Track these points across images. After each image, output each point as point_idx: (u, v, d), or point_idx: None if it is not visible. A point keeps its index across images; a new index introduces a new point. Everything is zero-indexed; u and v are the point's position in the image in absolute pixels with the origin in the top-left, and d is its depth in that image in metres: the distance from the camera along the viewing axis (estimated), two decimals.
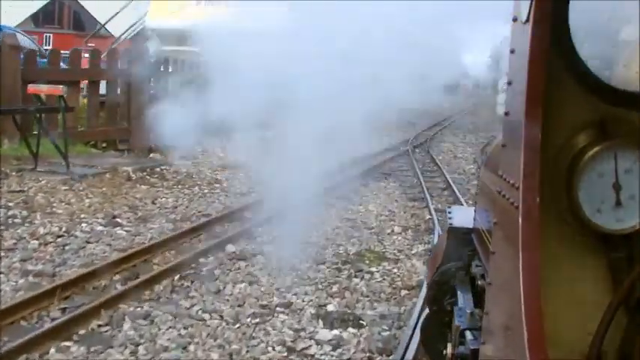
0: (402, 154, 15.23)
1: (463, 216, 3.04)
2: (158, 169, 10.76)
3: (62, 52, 12.73)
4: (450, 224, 3.08)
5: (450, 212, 3.29)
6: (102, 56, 12.94)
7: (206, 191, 9.72)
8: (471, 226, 2.78)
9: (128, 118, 11.89)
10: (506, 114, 1.61)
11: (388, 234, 7.81)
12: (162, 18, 20.44)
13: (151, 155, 11.67)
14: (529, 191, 1.33)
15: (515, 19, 1.58)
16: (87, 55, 13.02)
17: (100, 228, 7.30)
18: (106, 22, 26.89)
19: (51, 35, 48.27)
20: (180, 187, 9.86)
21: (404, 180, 11.85)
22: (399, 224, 8.33)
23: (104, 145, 11.81)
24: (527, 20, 1.42)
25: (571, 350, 1.49)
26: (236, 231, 7.38)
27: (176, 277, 5.86)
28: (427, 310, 3.29)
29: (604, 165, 1.48)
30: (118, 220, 7.71)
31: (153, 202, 8.69)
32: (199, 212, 8.36)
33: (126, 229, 7.37)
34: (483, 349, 1.66)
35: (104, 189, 9.08)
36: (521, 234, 1.30)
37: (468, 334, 2.18)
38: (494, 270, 1.64)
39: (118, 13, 25.17)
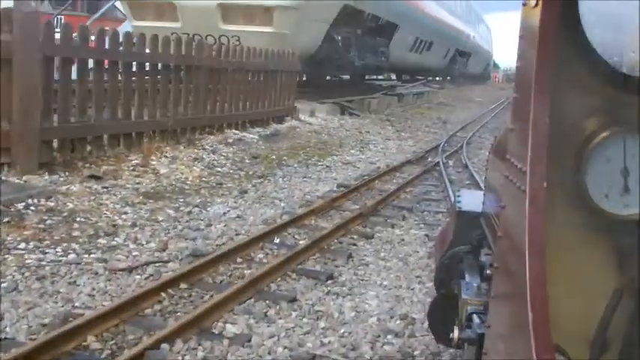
0: (431, 169, 10.41)
1: (472, 200, 2.70)
2: (22, 205, 6.13)
3: None
4: (459, 208, 2.72)
5: (459, 196, 2.87)
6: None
7: (70, 257, 5.06)
8: (479, 210, 2.51)
9: (8, 116, 7.28)
10: (515, 98, 1.55)
11: None
12: None
13: (25, 178, 7.01)
14: (536, 175, 1.27)
15: (524, 4, 1.50)
16: None
17: None
18: None
19: (62, 17, 44.23)
20: (29, 247, 5.22)
21: (432, 222, 7.08)
22: None
23: None
24: (537, 4, 1.36)
25: (576, 335, 1.44)
26: None
27: None
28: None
29: (612, 151, 1.42)
30: None
31: None
32: None
33: None
34: (489, 333, 1.60)
35: None
36: (528, 218, 1.24)
37: (475, 318, 2.00)
38: (501, 254, 1.58)
39: None
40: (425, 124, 18.11)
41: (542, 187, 1.26)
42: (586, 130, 1.46)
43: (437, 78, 38.84)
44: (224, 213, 6.85)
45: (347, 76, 22.58)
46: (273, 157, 10.43)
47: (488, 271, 2.09)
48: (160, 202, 7.01)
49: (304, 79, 19.70)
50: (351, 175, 9.58)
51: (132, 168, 8.36)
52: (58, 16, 46.33)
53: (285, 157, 10.49)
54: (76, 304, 4.23)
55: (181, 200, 7.23)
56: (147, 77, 9.75)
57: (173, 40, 10.25)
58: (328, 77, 21.25)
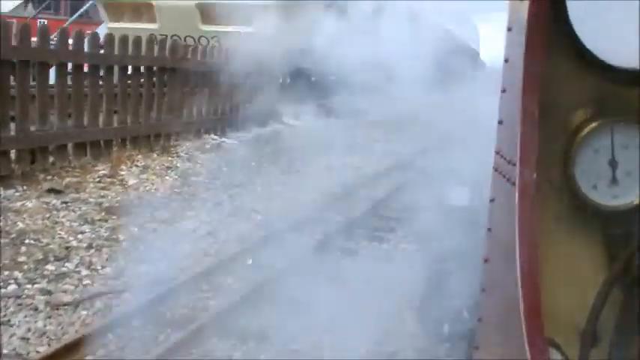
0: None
1: (459, 195, 2.78)
2: None
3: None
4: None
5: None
6: None
7: (10, 289, 4.36)
8: (466, 204, 2.62)
9: None
10: (503, 91, 1.55)
11: None
12: None
13: None
14: (526, 167, 1.28)
15: None
16: None
17: None
18: None
19: (45, 22, 43.32)
20: None
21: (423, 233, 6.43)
22: None
23: None
24: None
25: (567, 326, 1.44)
26: None
27: None
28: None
29: (601, 141, 1.42)
30: None
31: None
32: None
33: None
34: (480, 326, 1.58)
35: None
36: (518, 210, 1.25)
37: (465, 313, 1.99)
38: (491, 247, 1.57)
39: None
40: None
41: (532, 179, 1.26)
42: (574, 122, 1.44)
43: None
44: (194, 229, 6.18)
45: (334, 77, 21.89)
46: (253, 163, 9.75)
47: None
48: (123, 218, 6.32)
49: (289, 80, 19.02)
50: (335, 181, 8.91)
51: (98, 179, 7.67)
52: (40, 21, 45.18)
53: (265, 164, 9.81)
54: (5, 350, 3.55)
55: (148, 215, 6.54)
56: (116, 81, 9.07)
57: (146, 40, 9.56)
58: (314, 79, 20.56)
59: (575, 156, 1.42)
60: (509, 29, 1.51)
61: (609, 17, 1.37)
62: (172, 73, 10.08)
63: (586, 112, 1.45)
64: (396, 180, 9.13)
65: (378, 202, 7.42)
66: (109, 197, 7.05)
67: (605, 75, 1.41)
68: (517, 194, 1.25)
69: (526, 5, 1.34)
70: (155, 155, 9.32)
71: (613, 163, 1.42)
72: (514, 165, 1.31)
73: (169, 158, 9.27)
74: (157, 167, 8.66)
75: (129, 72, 9.25)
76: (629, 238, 1.44)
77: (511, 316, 1.19)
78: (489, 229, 1.56)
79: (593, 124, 1.42)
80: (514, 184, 1.29)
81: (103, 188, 7.38)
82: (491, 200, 1.56)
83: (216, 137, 11.13)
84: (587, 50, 1.38)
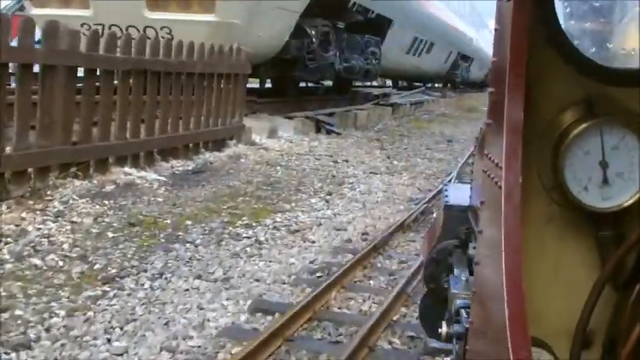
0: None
1: (459, 194, 2.56)
2: None
3: None
4: (446, 202, 2.55)
5: (446, 190, 2.69)
6: None
7: None
8: (467, 204, 2.40)
9: None
10: (491, 92, 1.50)
11: None
12: None
13: None
14: (511, 171, 1.24)
15: None
16: None
17: None
18: None
19: None
20: None
21: None
22: None
23: None
24: None
25: (558, 328, 1.42)
26: None
27: None
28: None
29: (590, 142, 1.39)
30: None
31: None
32: None
33: None
34: (471, 328, 1.53)
35: None
36: (504, 214, 1.21)
37: (463, 313, 1.87)
38: (481, 249, 1.53)
39: None
40: (425, 145, 13.54)
41: (517, 183, 1.22)
42: (564, 123, 1.42)
43: (436, 85, 34.37)
44: None
45: (329, 83, 18.01)
46: (168, 221, 5.85)
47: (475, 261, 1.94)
48: None
49: (268, 85, 15.15)
50: (293, 267, 5.00)
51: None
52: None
53: (188, 221, 5.91)
54: None
55: None
56: None
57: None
58: (303, 84, 16.67)
59: (565, 157, 1.37)
60: (496, 30, 1.46)
61: (599, 17, 1.34)
62: (49, 73, 6.21)
63: (575, 113, 1.39)
64: (399, 260, 5.19)
65: (363, 340, 3.51)
66: None
67: (595, 75, 1.36)
68: (503, 199, 1.20)
69: (511, 6, 1.29)
70: (4, 208, 5.48)
71: (603, 164, 1.36)
72: (500, 168, 1.25)
73: (24, 214, 5.42)
74: None
75: None
76: (621, 239, 1.38)
77: (498, 318, 1.12)
78: (480, 232, 1.49)
79: (583, 125, 1.36)
80: (500, 187, 1.23)
81: None
82: (482, 202, 1.49)
83: (131, 170, 7.25)
84: (577, 50, 1.35)
